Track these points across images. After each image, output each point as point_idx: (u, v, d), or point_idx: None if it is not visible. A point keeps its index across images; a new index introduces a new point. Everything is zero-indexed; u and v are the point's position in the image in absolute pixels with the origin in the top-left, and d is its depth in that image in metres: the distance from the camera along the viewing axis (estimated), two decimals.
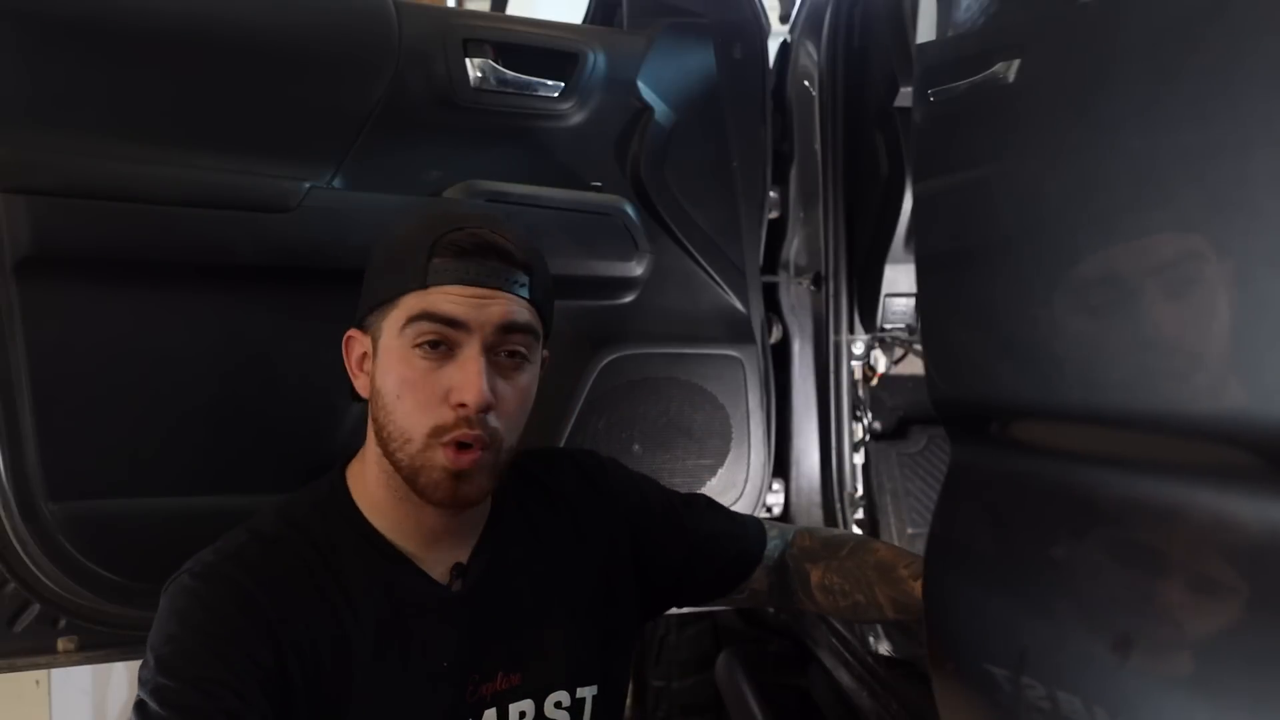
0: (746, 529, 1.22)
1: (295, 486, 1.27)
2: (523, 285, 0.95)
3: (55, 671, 2.03)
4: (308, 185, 1.24)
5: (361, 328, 0.99)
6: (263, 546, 0.95)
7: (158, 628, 0.91)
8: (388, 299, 0.95)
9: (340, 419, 1.32)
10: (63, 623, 1.23)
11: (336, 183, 1.27)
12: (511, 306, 0.94)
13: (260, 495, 1.24)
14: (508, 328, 0.94)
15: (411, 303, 0.93)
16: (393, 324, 0.94)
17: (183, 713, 0.85)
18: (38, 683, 2.03)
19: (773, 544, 1.21)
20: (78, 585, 1.18)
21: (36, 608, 1.21)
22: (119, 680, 2.47)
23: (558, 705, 1.03)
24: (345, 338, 1.01)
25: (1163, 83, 0.66)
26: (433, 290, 0.92)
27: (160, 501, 1.21)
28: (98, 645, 1.26)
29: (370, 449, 0.99)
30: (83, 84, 1.14)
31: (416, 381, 0.92)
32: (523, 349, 0.96)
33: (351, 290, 1.29)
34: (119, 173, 1.15)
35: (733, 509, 1.28)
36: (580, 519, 1.11)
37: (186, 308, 1.21)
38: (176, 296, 1.20)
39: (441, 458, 0.92)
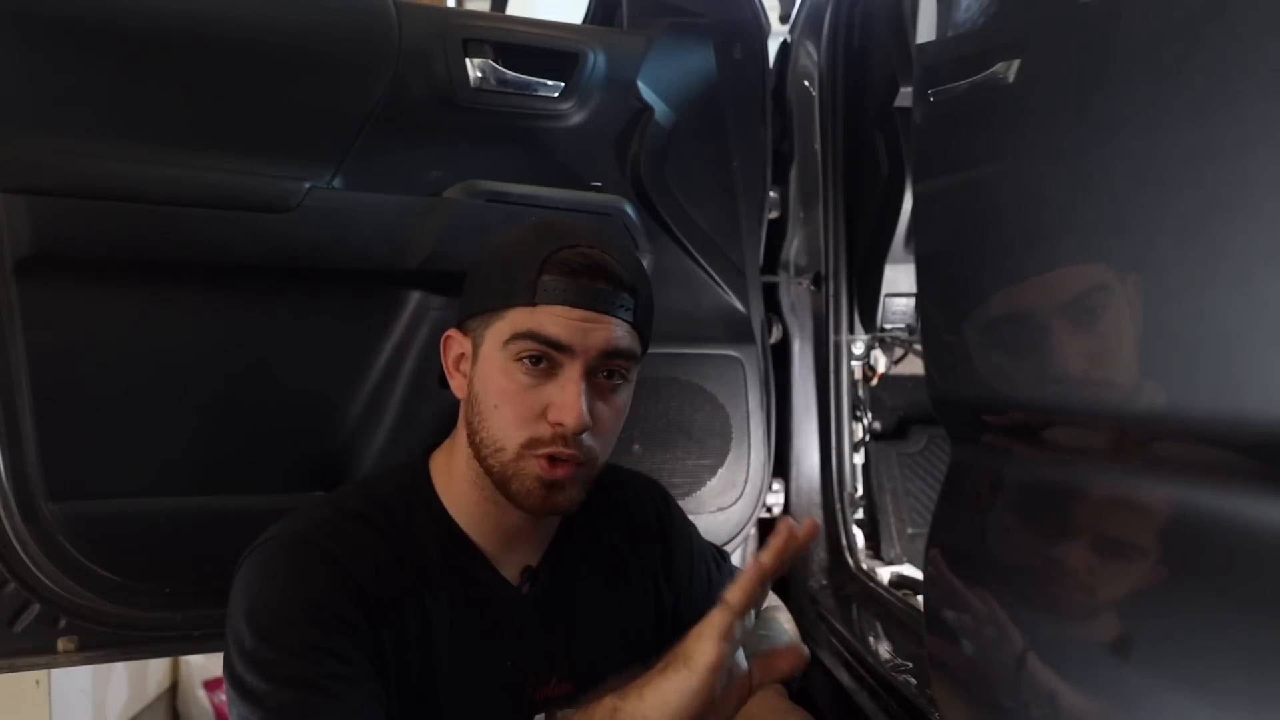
0: None
1: (296, 486, 1.27)
2: (627, 309, 0.96)
3: (55, 671, 2.02)
4: (308, 185, 1.24)
5: (462, 329, 1.00)
6: (351, 521, 0.97)
7: (248, 595, 0.91)
8: (493, 308, 0.95)
9: (340, 419, 1.32)
10: (63, 623, 1.23)
11: (336, 183, 1.27)
12: (616, 332, 0.95)
13: (261, 496, 1.25)
14: (610, 354, 0.95)
15: (518, 318, 0.93)
16: (496, 335, 0.94)
17: (290, 684, 0.86)
18: (38, 683, 2.02)
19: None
20: (78, 585, 1.18)
21: (36, 608, 1.21)
22: (119, 680, 2.47)
23: None
24: (444, 337, 1.02)
25: (1163, 83, 0.66)
26: (540, 309, 0.92)
27: (160, 501, 1.21)
28: (98, 645, 1.26)
29: (460, 448, 1.00)
30: (83, 84, 1.14)
31: (516, 395, 0.93)
32: (622, 370, 0.97)
33: (351, 290, 1.30)
34: (119, 173, 1.14)
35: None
36: (640, 543, 1.13)
37: (186, 308, 1.21)
38: (177, 297, 1.20)
39: (535, 467, 0.93)
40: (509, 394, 0.93)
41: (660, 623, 1.12)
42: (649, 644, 1.10)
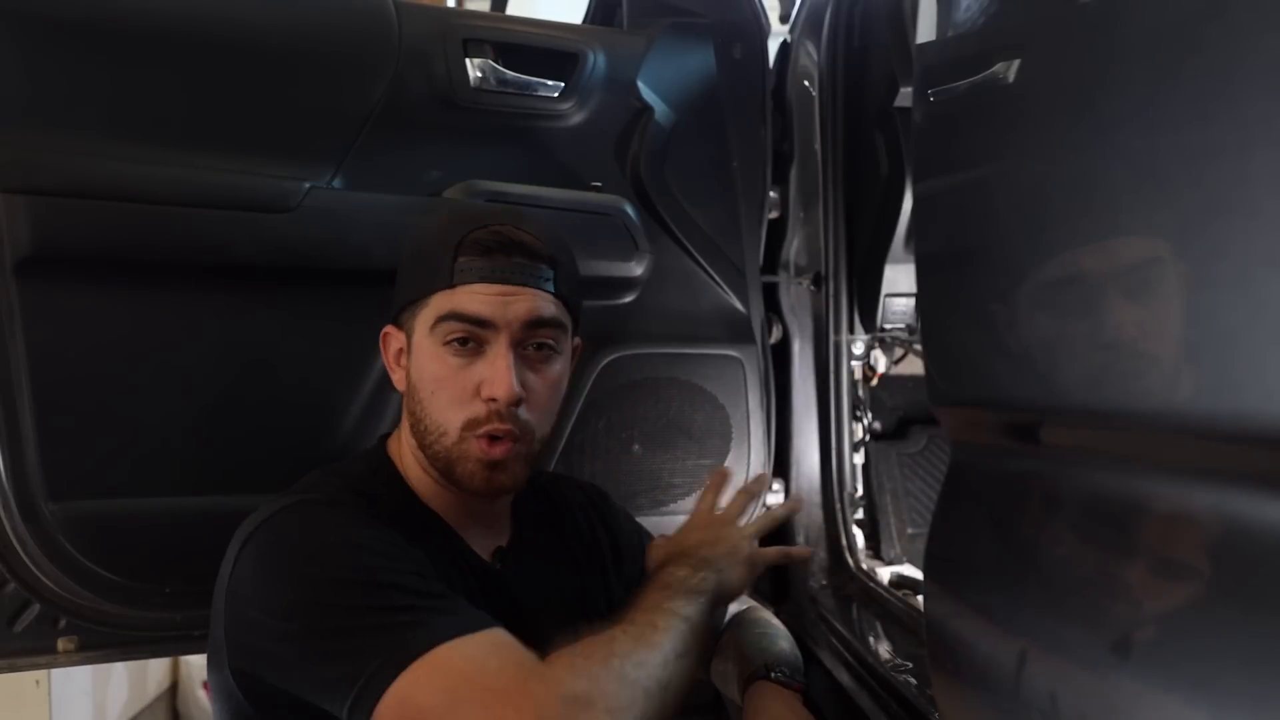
0: None
1: None
2: (548, 280, 0.97)
3: (55, 671, 2.03)
4: (308, 185, 1.24)
5: (397, 324, 1.02)
6: (349, 494, 0.96)
7: (292, 558, 0.88)
8: (418, 297, 0.97)
9: (340, 418, 1.32)
10: (63, 623, 1.23)
11: (336, 183, 1.27)
12: (537, 302, 0.96)
13: (260, 495, 1.24)
14: (534, 323, 0.96)
15: (440, 302, 0.95)
16: (423, 322, 0.96)
17: (411, 596, 0.84)
18: (38, 683, 2.03)
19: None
20: (78, 585, 1.18)
21: (36, 608, 1.21)
22: (119, 680, 2.47)
23: None
24: (382, 334, 1.04)
25: (1163, 83, 0.66)
26: (460, 289, 0.94)
27: (160, 501, 1.22)
28: (98, 645, 1.26)
29: (407, 438, 1.02)
30: (83, 84, 1.14)
31: (448, 377, 0.95)
32: (550, 341, 0.99)
33: (351, 290, 1.30)
34: (119, 173, 1.15)
35: None
36: (586, 537, 1.15)
37: (186, 308, 1.21)
38: (176, 297, 1.21)
39: (475, 449, 0.95)
40: (442, 378, 0.95)
41: (610, 610, 1.13)
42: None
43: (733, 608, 1.28)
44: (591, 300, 1.47)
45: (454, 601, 0.87)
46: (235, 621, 0.90)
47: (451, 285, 0.94)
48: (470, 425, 0.95)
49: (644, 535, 1.23)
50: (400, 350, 1.01)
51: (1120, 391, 0.73)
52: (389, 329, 1.03)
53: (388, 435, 1.08)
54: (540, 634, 1.03)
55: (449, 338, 0.95)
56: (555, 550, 1.11)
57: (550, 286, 0.97)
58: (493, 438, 0.95)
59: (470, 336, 0.94)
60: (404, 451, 1.03)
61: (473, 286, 0.94)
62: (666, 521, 1.35)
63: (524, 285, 0.95)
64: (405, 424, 1.02)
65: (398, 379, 1.02)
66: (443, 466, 0.97)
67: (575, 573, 1.12)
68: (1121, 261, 0.72)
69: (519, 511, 1.09)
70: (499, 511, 1.07)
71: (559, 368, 1.01)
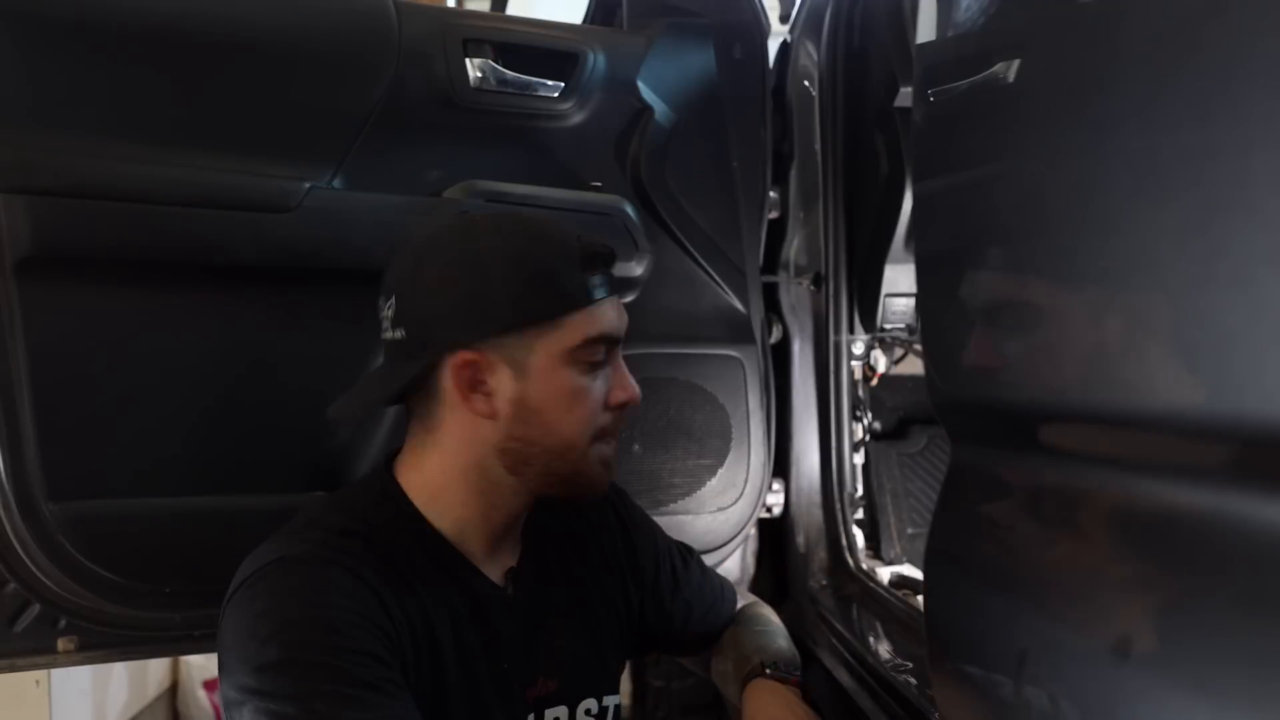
0: (724, 594, 1.25)
1: (296, 487, 1.27)
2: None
3: (55, 671, 2.02)
4: (308, 185, 1.24)
5: (480, 350, 0.93)
6: (342, 538, 0.94)
7: (264, 615, 0.87)
8: (541, 319, 0.92)
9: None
10: (63, 623, 1.23)
11: (336, 183, 1.27)
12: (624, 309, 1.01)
13: (260, 495, 1.25)
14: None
15: (582, 323, 0.94)
16: (553, 345, 0.93)
17: (343, 682, 0.84)
18: (38, 683, 2.02)
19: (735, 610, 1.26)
20: (78, 585, 1.18)
21: (36, 608, 1.21)
22: (119, 680, 2.47)
23: (588, 713, 1.05)
24: (457, 364, 0.93)
25: (1163, 83, 0.66)
26: (593, 308, 0.95)
27: (160, 501, 1.21)
28: (98, 645, 1.26)
29: (453, 461, 0.97)
30: (83, 84, 1.14)
31: (585, 395, 0.96)
32: None
33: (351, 290, 1.30)
34: (119, 173, 1.14)
35: (714, 569, 1.29)
36: (604, 541, 1.14)
37: (186, 308, 1.21)
38: (176, 297, 1.20)
39: (598, 454, 0.99)
40: (581, 395, 0.96)
41: (629, 619, 1.13)
42: (620, 640, 1.12)
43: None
44: None
45: (397, 688, 0.87)
46: (219, 657, 0.91)
47: (590, 302, 0.94)
48: (600, 434, 0.98)
49: (658, 532, 1.22)
50: (481, 378, 0.94)
51: (1120, 391, 0.73)
52: (470, 356, 0.92)
53: (393, 457, 1.02)
54: (553, 652, 1.04)
55: (595, 358, 0.95)
56: (569, 557, 1.10)
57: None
58: (609, 439, 1.00)
59: (605, 353, 0.97)
60: (428, 477, 0.98)
61: (603, 303, 0.95)
62: (666, 521, 1.35)
63: (620, 294, 1.00)
64: (459, 449, 0.96)
65: (481, 409, 0.94)
66: (561, 480, 0.98)
67: (591, 577, 1.11)
68: (1121, 261, 0.72)
69: (530, 523, 1.06)
70: (516, 528, 1.05)
71: None
